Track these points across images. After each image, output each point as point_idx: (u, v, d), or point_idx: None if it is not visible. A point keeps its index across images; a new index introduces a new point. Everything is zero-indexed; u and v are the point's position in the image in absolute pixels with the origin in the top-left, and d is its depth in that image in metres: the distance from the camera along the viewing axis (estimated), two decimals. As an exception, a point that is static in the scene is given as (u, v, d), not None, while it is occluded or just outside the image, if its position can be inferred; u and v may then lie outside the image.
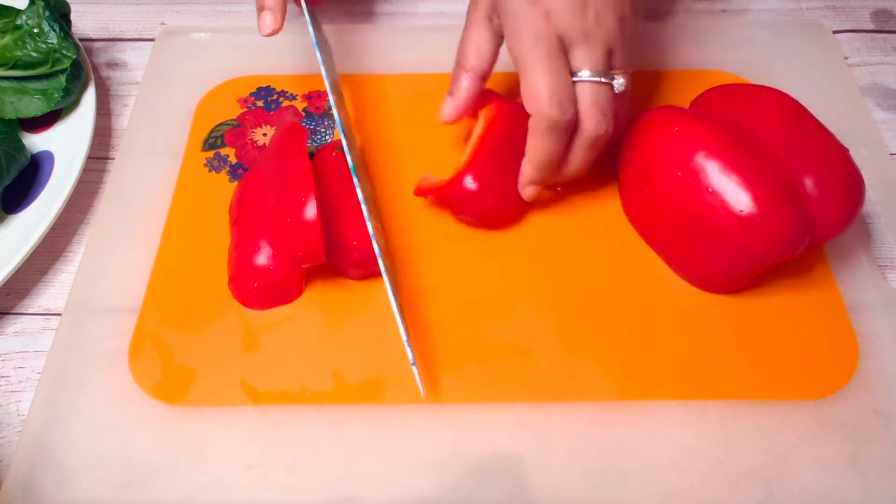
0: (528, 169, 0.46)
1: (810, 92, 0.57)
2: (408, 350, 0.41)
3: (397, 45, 0.61)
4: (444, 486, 0.41)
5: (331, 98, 0.47)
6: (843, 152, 0.43)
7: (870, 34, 0.64)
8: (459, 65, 0.48)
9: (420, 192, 0.49)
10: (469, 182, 0.46)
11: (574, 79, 0.44)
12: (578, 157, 0.46)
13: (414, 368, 0.41)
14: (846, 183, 0.42)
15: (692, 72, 0.58)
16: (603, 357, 0.45)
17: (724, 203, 0.41)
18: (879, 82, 0.60)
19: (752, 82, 0.57)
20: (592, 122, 0.44)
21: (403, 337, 0.41)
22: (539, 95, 0.43)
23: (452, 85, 0.48)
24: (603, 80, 0.44)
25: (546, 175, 0.46)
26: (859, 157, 0.54)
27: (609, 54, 0.45)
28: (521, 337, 0.45)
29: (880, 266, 0.49)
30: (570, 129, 0.44)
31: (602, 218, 0.50)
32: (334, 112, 0.47)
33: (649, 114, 0.47)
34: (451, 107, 0.47)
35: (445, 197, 0.48)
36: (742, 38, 0.61)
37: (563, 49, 0.44)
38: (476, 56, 0.47)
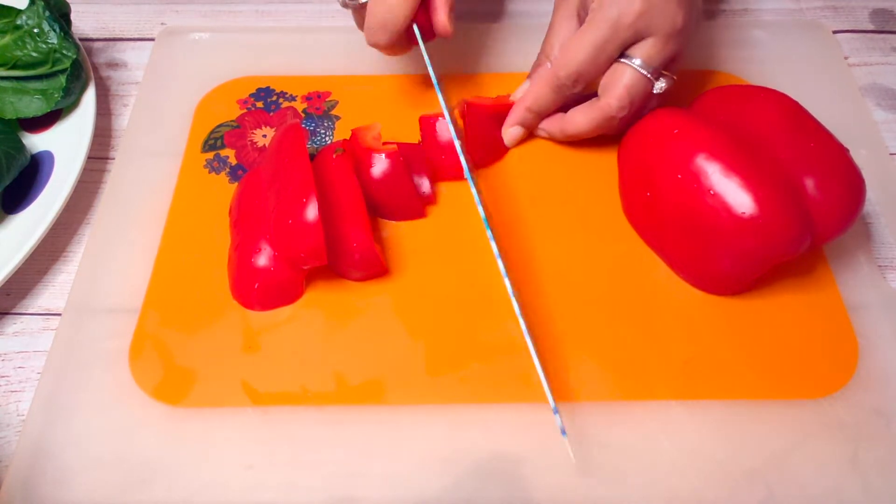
0: (519, 108, 0.50)
1: (810, 92, 0.57)
2: (557, 419, 0.40)
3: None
4: (444, 486, 0.41)
5: (457, 143, 0.48)
6: (843, 153, 0.43)
7: (870, 34, 0.64)
8: (544, 53, 0.51)
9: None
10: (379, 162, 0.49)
11: (623, 59, 0.46)
12: (583, 122, 0.48)
13: (564, 437, 0.40)
14: (846, 183, 0.42)
15: (692, 72, 0.58)
16: (603, 357, 0.45)
17: (725, 205, 0.41)
18: (879, 82, 0.60)
19: (752, 82, 0.58)
20: (616, 103, 0.47)
21: (552, 404, 0.40)
22: (569, 60, 0.46)
23: (533, 71, 0.52)
24: (649, 75, 0.46)
25: (531, 122, 0.51)
26: (859, 157, 0.54)
27: (671, 59, 0.47)
28: (522, 337, 0.45)
29: (880, 266, 0.49)
30: (573, 96, 0.48)
31: (602, 219, 0.50)
32: (461, 156, 0.47)
33: (649, 115, 0.47)
34: (526, 89, 0.51)
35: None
36: (742, 38, 0.61)
37: (632, 41, 0.46)
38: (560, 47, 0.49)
